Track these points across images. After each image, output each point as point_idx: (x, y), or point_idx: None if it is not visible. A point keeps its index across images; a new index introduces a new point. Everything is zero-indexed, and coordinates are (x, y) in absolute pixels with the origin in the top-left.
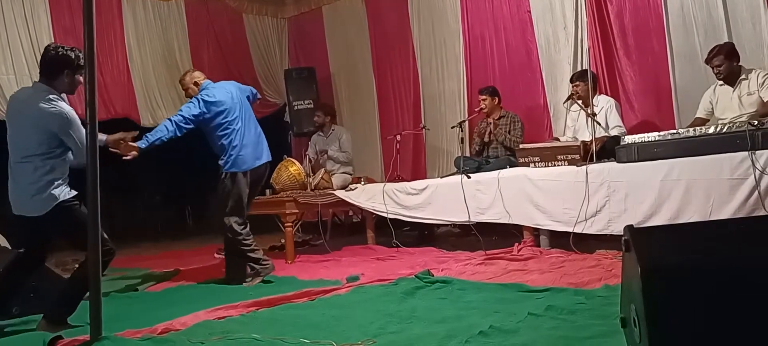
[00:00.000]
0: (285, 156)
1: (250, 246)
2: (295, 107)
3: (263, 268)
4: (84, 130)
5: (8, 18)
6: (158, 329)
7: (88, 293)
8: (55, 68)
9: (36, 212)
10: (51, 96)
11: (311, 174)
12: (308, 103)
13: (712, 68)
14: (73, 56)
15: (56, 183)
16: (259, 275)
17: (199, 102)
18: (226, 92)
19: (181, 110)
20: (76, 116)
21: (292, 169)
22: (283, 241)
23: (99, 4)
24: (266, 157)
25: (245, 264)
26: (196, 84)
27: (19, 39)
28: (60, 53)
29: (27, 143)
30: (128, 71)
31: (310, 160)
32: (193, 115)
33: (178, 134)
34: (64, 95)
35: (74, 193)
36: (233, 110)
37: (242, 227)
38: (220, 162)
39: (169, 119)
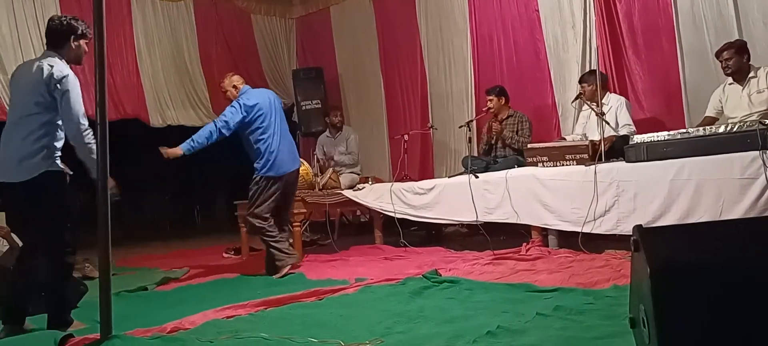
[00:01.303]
0: None
1: (275, 237)
2: (303, 107)
3: (288, 256)
4: (81, 102)
5: (19, 18)
6: (168, 328)
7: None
8: (61, 37)
9: (20, 178)
10: (53, 57)
11: (319, 174)
12: (316, 103)
13: (721, 62)
14: (77, 25)
15: (47, 152)
16: (285, 265)
17: (240, 107)
18: (265, 97)
19: (224, 115)
20: (76, 83)
21: (300, 169)
22: (291, 240)
23: (109, 5)
24: (298, 163)
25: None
26: (235, 87)
27: (30, 39)
28: (64, 23)
29: (24, 101)
30: (138, 72)
31: (318, 161)
32: (237, 121)
33: (218, 139)
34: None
35: (62, 167)
36: (270, 115)
37: (265, 221)
38: (257, 165)
39: (214, 124)
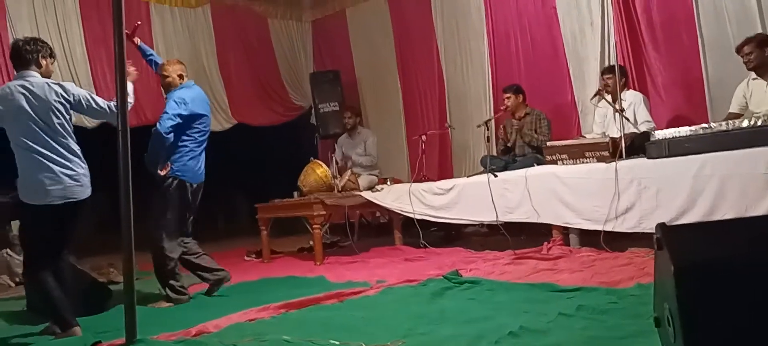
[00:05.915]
0: (312, 158)
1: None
2: (321, 110)
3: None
4: None
5: (42, 28)
6: (192, 332)
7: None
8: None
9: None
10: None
11: (338, 176)
12: (334, 106)
13: (742, 57)
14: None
15: None
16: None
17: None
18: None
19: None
20: None
21: (319, 171)
22: (311, 243)
23: (128, 13)
24: None
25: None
26: (181, 77)
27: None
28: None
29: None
30: (157, 78)
31: (336, 163)
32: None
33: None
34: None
35: None
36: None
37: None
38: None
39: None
